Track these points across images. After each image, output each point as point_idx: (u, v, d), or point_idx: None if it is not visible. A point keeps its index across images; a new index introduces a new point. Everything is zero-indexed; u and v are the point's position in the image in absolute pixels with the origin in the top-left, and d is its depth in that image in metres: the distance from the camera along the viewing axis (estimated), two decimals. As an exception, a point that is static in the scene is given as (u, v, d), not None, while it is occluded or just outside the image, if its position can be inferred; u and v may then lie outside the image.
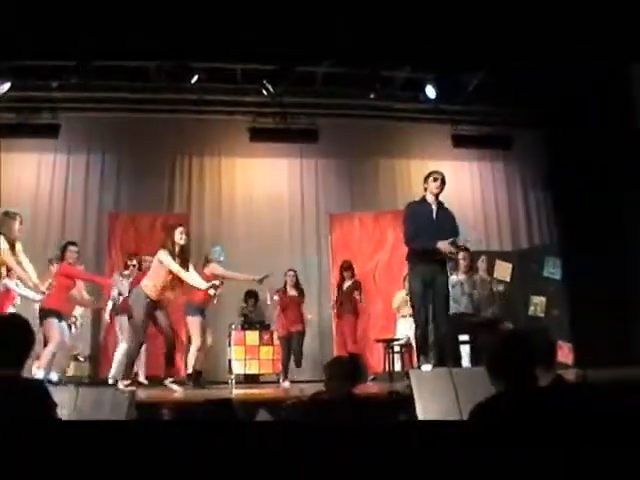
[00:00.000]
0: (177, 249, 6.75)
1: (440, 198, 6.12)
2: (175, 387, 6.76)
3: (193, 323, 7.94)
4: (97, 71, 8.35)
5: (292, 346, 8.28)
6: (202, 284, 6.94)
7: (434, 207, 6.09)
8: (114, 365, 7.95)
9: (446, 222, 6.06)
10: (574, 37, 7.24)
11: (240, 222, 10.02)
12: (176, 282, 6.84)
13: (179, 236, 6.78)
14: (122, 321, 7.98)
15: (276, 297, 8.39)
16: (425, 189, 6.16)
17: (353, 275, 8.78)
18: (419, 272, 5.95)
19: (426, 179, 6.18)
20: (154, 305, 6.70)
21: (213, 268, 7.82)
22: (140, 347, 6.94)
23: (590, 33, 7.09)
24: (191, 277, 6.88)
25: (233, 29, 7.14)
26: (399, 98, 9.63)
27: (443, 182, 6.11)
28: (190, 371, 7.80)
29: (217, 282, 7.17)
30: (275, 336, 8.55)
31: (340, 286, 8.82)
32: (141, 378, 8.08)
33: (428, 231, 5.91)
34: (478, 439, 1.98)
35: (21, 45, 7.25)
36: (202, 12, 6.83)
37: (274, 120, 9.98)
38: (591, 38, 7.19)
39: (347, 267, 8.84)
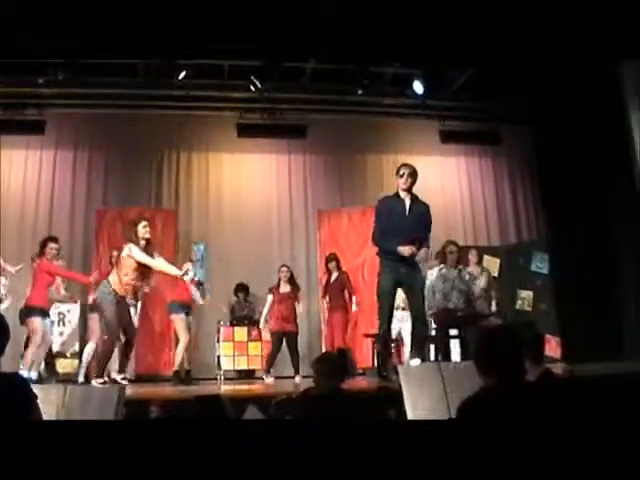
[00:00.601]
0: (142, 243, 6.60)
1: (416, 192, 6.07)
2: (124, 382, 6.54)
3: (177, 321, 7.93)
4: (84, 67, 8.31)
5: (287, 346, 8.19)
6: (176, 271, 6.87)
7: (407, 202, 6.04)
8: (82, 364, 7.84)
9: (419, 217, 6.02)
10: (563, 34, 7.27)
11: (228, 218, 10.00)
12: (142, 275, 6.70)
13: (143, 230, 6.61)
14: (92, 318, 7.85)
15: (270, 295, 8.37)
16: (397, 184, 6.10)
17: (339, 267, 8.73)
18: (391, 268, 5.90)
19: (396, 174, 6.13)
20: (121, 299, 6.59)
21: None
22: (114, 344, 6.69)
23: (579, 30, 7.12)
24: (164, 265, 6.79)
25: (220, 25, 7.12)
26: (387, 94, 9.65)
27: (411, 176, 6.01)
28: (176, 369, 7.80)
29: (190, 267, 7.09)
30: (264, 332, 8.56)
31: (328, 280, 8.79)
32: (114, 375, 7.88)
33: (400, 228, 5.88)
34: (467, 435, 1.99)
35: (7, 42, 7.20)
36: (189, 8, 6.82)
37: (262, 116, 9.98)
38: (581, 35, 7.22)
39: (332, 259, 8.76)
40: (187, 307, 8.00)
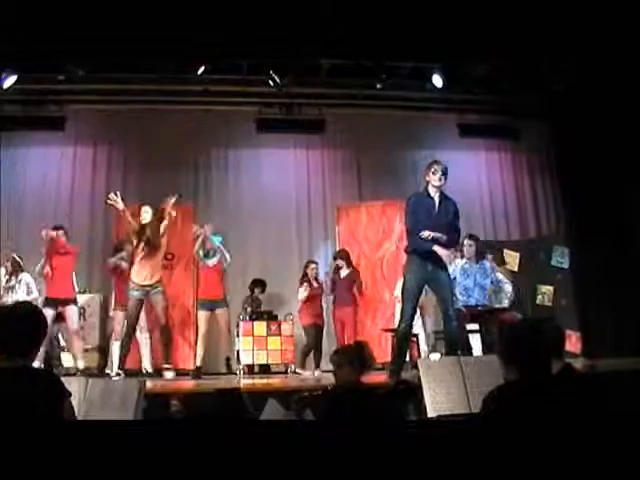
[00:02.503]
0: (137, 228, 6.76)
1: (443, 188, 6.02)
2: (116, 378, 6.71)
3: (199, 317, 8.00)
4: (103, 63, 8.34)
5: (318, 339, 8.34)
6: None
7: (436, 200, 5.97)
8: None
9: (447, 216, 5.94)
10: (583, 27, 7.20)
11: (247, 213, 10.02)
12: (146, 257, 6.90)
13: (143, 215, 6.79)
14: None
15: (303, 289, 8.41)
16: (427, 181, 6.02)
17: (350, 264, 8.63)
18: (418, 266, 5.83)
19: (427, 170, 6.02)
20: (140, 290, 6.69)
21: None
22: (129, 338, 6.96)
23: (599, 22, 7.05)
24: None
25: (240, 23, 7.14)
26: (405, 87, 9.58)
27: (444, 174, 5.94)
28: (199, 364, 7.88)
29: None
30: (283, 327, 8.61)
31: (337, 276, 8.61)
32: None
33: (429, 226, 5.79)
34: (493, 430, 1.98)
35: (28, 38, 7.26)
36: (209, 6, 6.84)
37: (281, 111, 9.97)
38: (600, 26, 7.15)
39: (342, 256, 8.63)
40: (208, 303, 8.00)
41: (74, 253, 7.51)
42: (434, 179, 5.93)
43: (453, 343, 5.85)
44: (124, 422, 2.87)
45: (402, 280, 6.09)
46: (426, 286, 6.04)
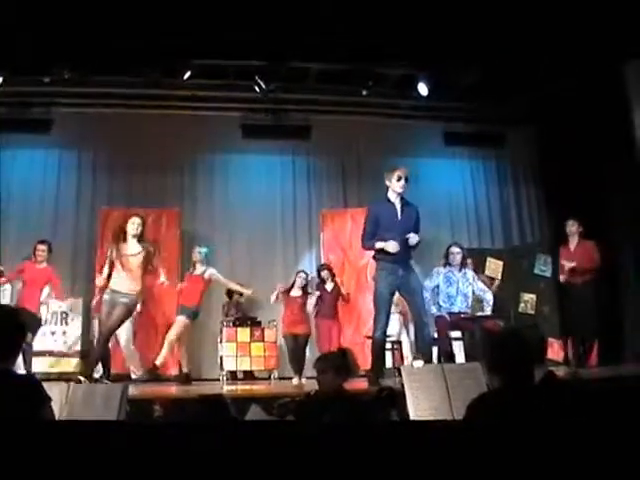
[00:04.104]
0: (123, 237, 6.57)
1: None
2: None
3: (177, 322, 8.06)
4: (90, 66, 8.31)
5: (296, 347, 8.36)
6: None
7: (398, 206, 6.03)
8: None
9: (409, 222, 6.01)
10: (567, 34, 7.27)
11: (232, 218, 10.01)
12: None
13: (131, 227, 6.57)
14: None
15: (274, 296, 8.46)
16: (388, 187, 6.07)
17: (333, 277, 8.78)
18: (388, 272, 5.88)
19: (389, 176, 6.07)
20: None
21: (212, 274, 8.17)
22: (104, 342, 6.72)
23: (583, 30, 7.12)
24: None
25: (226, 26, 7.14)
26: (392, 95, 9.62)
27: (407, 180, 6.02)
28: (185, 370, 7.88)
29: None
30: (267, 333, 8.63)
31: (322, 288, 8.74)
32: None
33: (392, 231, 5.88)
34: (475, 435, 2.00)
35: (16, 41, 7.23)
36: (195, 9, 6.83)
37: (267, 117, 9.96)
38: (584, 35, 7.22)
39: (324, 268, 8.84)
40: (188, 309, 8.03)
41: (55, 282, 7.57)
42: (398, 185, 5.99)
43: (427, 350, 5.92)
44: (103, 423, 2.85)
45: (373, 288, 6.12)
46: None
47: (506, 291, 9.24)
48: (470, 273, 7.29)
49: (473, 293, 7.16)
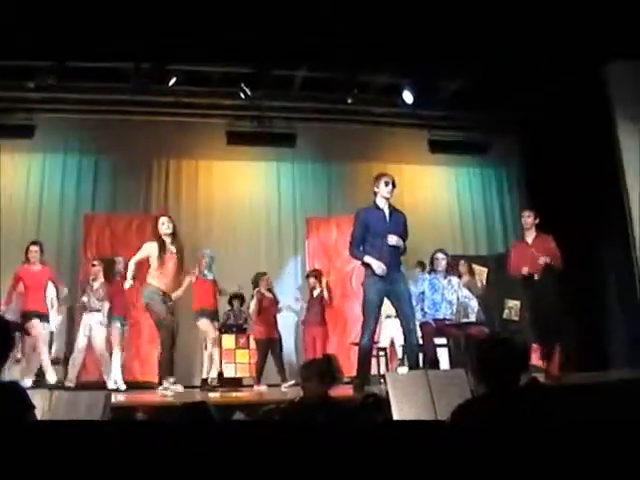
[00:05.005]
0: (166, 240, 6.66)
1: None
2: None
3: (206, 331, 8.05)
4: (74, 72, 8.28)
5: (271, 353, 8.22)
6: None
7: (386, 212, 6.06)
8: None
9: (398, 228, 6.03)
10: (548, 40, 7.32)
11: (217, 225, 9.99)
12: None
13: (163, 226, 6.69)
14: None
15: (253, 302, 8.36)
16: (375, 192, 6.10)
17: (321, 283, 8.75)
18: (376, 279, 5.89)
19: (377, 182, 6.10)
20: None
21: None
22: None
23: (563, 35, 7.17)
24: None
25: (211, 31, 7.14)
26: (376, 103, 9.67)
27: (394, 186, 6.07)
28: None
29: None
30: (252, 340, 8.56)
31: (311, 295, 8.76)
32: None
33: (380, 237, 5.90)
34: (462, 439, 2.00)
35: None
36: (180, 14, 6.83)
37: (252, 124, 9.95)
38: (564, 40, 7.28)
39: (315, 275, 8.81)
40: (205, 313, 8.07)
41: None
42: (385, 191, 6.02)
43: (413, 356, 5.93)
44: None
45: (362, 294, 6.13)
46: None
47: (490, 298, 9.26)
48: (455, 280, 7.30)
49: (458, 300, 7.17)
